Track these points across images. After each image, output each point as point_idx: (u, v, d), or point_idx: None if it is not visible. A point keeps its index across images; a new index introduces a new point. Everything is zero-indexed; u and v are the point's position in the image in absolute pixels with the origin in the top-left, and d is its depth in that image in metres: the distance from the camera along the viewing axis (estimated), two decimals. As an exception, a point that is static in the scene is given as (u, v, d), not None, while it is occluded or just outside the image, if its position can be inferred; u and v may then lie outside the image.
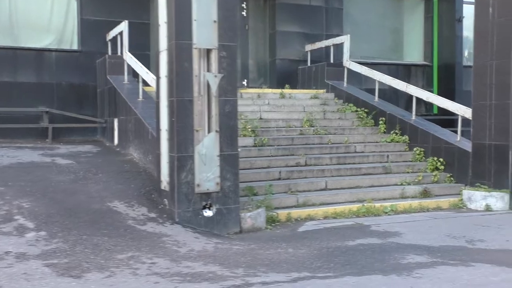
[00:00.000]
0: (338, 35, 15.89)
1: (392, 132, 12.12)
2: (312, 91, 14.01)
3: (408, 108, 13.74)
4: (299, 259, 6.11)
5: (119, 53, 12.10)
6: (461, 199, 9.85)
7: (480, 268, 5.73)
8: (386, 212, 9.13)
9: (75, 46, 13.37)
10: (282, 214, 8.42)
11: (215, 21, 7.35)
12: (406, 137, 11.84)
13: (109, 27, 12.82)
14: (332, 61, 14.58)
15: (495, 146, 9.89)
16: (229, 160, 7.48)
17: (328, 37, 15.77)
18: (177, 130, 7.20)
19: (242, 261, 5.92)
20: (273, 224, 8.19)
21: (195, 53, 7.26)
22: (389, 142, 11.84)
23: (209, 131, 7.32)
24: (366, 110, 12.94)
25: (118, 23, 12.08)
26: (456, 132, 10.97)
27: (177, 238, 6.59)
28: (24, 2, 12.99)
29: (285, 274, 5.42)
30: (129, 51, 11.55)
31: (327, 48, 14.74)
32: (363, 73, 13.61)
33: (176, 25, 7.23)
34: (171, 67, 7.30)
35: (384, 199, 9.66)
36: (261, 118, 11.98)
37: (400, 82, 12.42)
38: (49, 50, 13.00)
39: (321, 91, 14.33)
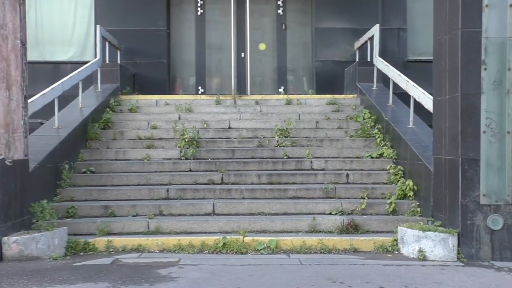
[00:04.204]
0: (400, 29, 13.05)
1: (383, 145, 9.17)
2: (329, 96, 11.51)
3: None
4: None
5: None
6: (395, 240, 6.79)
7: None
8: (258, 250, 6.72)
9: None
10: (100, 241, 6.72)
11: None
12: (393, 152, 8.81)
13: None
14: (369, 59, 11.81)
15: (449, 163, 6.63)
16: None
17: (385, 31, 12.96)
18: None
19: None
20: (82, 253, 6.59)
21: None
22: (375, 157, 8.98)
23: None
24: (374, 117, 10.10)
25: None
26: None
27: None
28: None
29: None
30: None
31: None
32: (383, 71, 10.68)
33: None
34: None
35: (281, 232, 7.18)
36: (230, 127, 10.15)
37: (403, 79, 9.35)
38: None
39: (350, 96, 11.76)
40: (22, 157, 6.77)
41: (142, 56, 12.96)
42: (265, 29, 13.70)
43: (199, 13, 13.50)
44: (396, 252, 6.65)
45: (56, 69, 12.92)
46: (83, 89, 11.01)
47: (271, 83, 13.61)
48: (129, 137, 9.73)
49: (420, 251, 6.35)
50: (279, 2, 13.54)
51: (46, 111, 9.12)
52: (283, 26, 13.49)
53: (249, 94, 12.75)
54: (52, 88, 8.68)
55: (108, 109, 10.58)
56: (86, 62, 11.59)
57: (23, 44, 6.89)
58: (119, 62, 12.37)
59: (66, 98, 10.26)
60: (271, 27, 13.67)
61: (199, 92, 13.32)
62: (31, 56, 12.70)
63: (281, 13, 13.52)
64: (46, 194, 7.42)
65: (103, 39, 11.50)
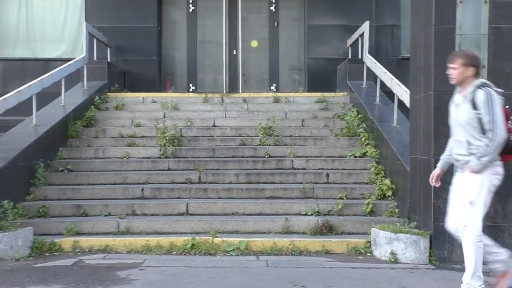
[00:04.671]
0: (393, 26, 12.85)
1: (367, 144, 8.98)
2: (319, 94, 11.32)
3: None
4: None
5: None
6: (369, 241, 6.61)
7: None
8: (228, 251, 6.56)
9: None
10: (67, 242, 6.62)
11: None
12: (376, 151, 8.63)
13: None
14: (360, 56, 11.61)
15: (424, 163, 6.44)
16: None
17: (378, 28, 12.78)
18: None
19: None
20: (47, 254, 6.50)
21: None
22: (358, 156, 8.81)
23: None
24: (361, 115, 9.92)
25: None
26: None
27: None
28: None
29: None
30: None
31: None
32: (371, 69, 10.49)
33: None
34: None
35: (253, 232, 7.04)
36: (214, 125, 10.02)
37: (388, 77, 9.15)
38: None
39: (340, 94, 11.57)
40: (-12, 156, 6.67)
41: (133, 53, 12.85)
42: (257, 26, 13.54)
43: (190, 10, 13.38)
44: (369, 255, 6.48)
45: (47, 66, 12.76)
46: (70, 86, 10.96)
47: (263, 80, 13.45)
48: (111, 135, 9.62)
49: (392, 253, 6.17)
50: (271, -2, 13.35)
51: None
52: (276, 23, 13.33)
53: (240, 92, 12.63)
54: (29, 85, 8.59)
55: (93, 107, 10.47)
56: (90, 60, 11.55)
57: (-8, 41, 6.77)
58: (108, 59, 12.28)
59: (53, 95, 10.16)
60: (264, 24, 13.51)
61: (190, 90, 13.20)
62: (21, 53, 12.81)
63: (273, 10, 13.36)
64: (17, 193, 7.34)
65: (90, 36, 11.40)
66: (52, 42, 13.19)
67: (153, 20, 12.97)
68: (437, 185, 4.99)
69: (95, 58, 11.74)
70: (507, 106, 4.75)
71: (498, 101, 4.49)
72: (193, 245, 6.53)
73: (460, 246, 5.85)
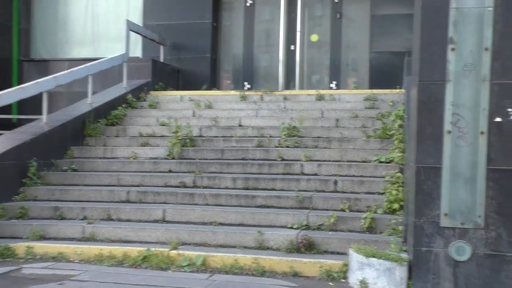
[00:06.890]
0: (472, 12, 11.12)
1: (396, 147, 7.67)
2: (369, 92, 10.08)
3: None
4: None
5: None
6: (346, 264, 5.44)
7: None
8: (183, 266, 5.75)
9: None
10: (20, 247, 6.21)
11: None
12: (401, 155, 7.31)
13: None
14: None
15: (410, 170, 5.15)
16: None
17: (453, 16, 11.13)
18: None
19: None
20: (0, 259, 6.13)
21: None
22: (384, 161, 7.53)
23: None
24: (404, 114, 8.56)
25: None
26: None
27: None
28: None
29: None
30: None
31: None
32: (423, 60, 9.02)
33: None
34: None
35: (221, 246, 6.13)
36: (240, 125, 9.25)
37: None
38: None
39: (397, 90, 10.22)
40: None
41: (187, 51, 12.44)
42: (318, 19, 12.46)
43: (248, 4, 12.64)
44: (343, 281, 5.30)
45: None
46: (111, 84, 10.80)
47: (323, 77, 12.34)
48: (130, 134, 9.21)
49: (362, 282, 4.95)
50: (333, -12, 12.21)
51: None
52: (338, 15, 12.14)
53: (297, 89, 11.70)
54: (37, 82, 8.39)
55: (125, 105, 10.14)
56: (135, 58, 11.40)
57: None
58: (162, 57, 11.99)
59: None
60: (325, 16, 12.40)
61: (245, 88, 12.47)
62: (86, 53, 12.93)
63: (336, 1, 12.17)
64: (3, 192, 7.10)
65: (133, 33, 11.17)
66: (113, 42, 13.14)
67: (209, 16, 12.43)
68: None
69: (140, 56, 11.45)
70: None
71: None
72: (145, 257, 5.80)
73: (449, 279, 4.57)
